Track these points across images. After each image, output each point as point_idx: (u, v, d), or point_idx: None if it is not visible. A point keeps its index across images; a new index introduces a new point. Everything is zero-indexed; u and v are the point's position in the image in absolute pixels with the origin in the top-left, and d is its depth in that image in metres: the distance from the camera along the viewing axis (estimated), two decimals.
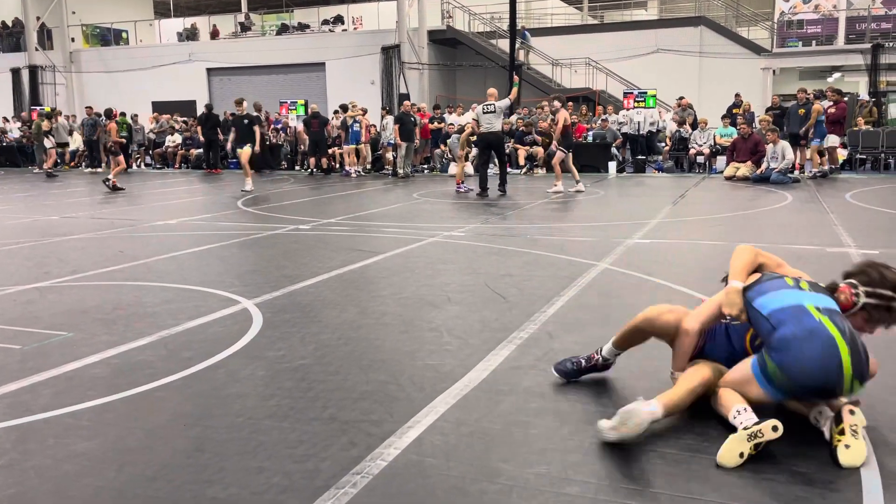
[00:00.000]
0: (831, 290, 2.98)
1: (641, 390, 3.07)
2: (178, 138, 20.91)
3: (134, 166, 20.66)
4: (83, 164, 21.12)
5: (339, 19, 27.63)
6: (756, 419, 2.69)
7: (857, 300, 2.91)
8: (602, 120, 17.64)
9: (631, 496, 2.43)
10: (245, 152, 13.53)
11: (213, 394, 3.40)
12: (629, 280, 5.59)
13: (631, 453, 2.73)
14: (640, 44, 22.06)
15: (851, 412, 2.66)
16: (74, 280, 6.00)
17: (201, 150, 19.39)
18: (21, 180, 17.75)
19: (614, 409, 2.78)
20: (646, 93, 17.54)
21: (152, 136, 21.58)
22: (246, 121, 13.85)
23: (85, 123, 20.41)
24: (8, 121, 24.38)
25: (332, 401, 3.28)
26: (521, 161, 16.90)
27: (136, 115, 21.81)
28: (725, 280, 3.22)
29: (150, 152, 21.54)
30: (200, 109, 20.81)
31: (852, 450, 2.58)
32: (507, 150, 15.11)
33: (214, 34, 28.62)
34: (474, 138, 13.94)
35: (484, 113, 12.13)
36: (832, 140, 14.29)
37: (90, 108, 21.04)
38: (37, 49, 27.84)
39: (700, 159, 16.36)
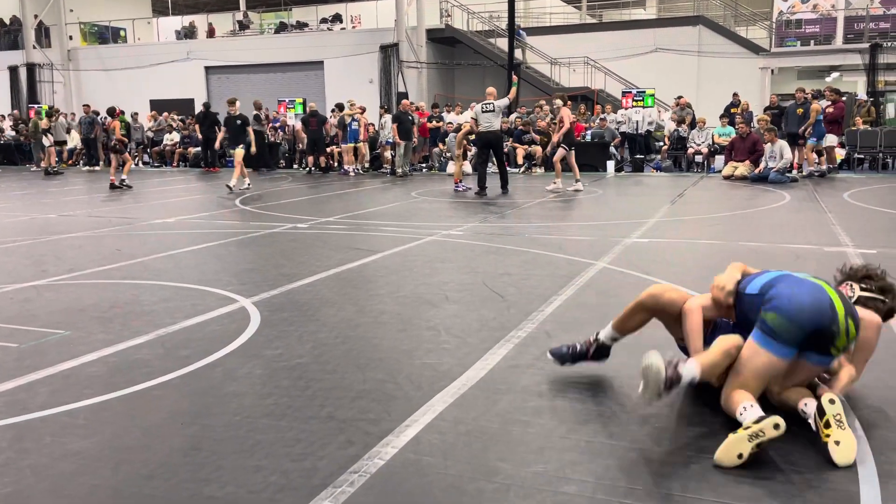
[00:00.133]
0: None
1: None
2: (176, 137, 20.90)
3: (132, 164, 20.60)
4: (81, 162, 21.09)
5: (337, 18, 27.62)
6: (761, 414, 2.71)
7: (853, 294, 3.11)
8: (600, 119, 17.65)
9: (628, 495, 2.42)
10: (239, 153, 13.50)
11: (210, 392, 3.40)
12: (627, 279, 5.59)
13: (628, 452, 2.72)
14: (639, 43, 22.05)
15: (831, 401, 2.71)
16: (72, 278, 5.99)
17: (199, 149, 19.37)
18: (18, 178, 17.73)
19: (613, 409, 2.78)
20: (644, 92, 17.55)
21: (150, 134, 21.56)
22: (238, 121, 13.82)
23: (82, 122, 20.37)
24: (4, 118, 24.33)
25: (329, 399, 3.28)
26: (520, 160, 16.92)
27: (135, 114, 21.79)
28: None
29: (149, 150, 21.52)
30: (198, 108, 20.77)
31: (843, 446, 2.62)
32: (506, 150, 15.11)
33: (210, 33, 28.58)
34: (472, 137, 13.94)
35: (483, 112, 12.11)
36: (830, 139, 14.31)
37: (87, 105, 21.01)
38: (35, 47, 27.77)
39: (698, 158, 16.36)
